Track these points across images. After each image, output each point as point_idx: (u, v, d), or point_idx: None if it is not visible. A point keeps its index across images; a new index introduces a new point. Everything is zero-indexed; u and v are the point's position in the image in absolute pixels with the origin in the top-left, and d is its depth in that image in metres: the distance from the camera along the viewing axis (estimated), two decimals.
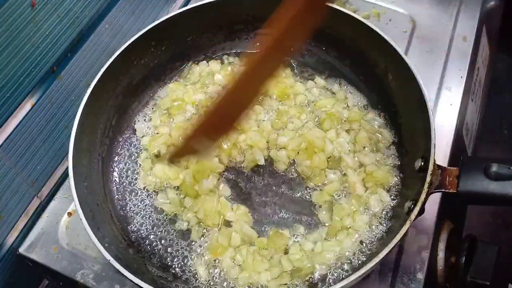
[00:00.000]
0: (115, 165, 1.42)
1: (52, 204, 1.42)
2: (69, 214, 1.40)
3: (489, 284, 1.27)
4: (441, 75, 1.62)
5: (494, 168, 1.11)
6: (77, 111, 1.26)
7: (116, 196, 1.37)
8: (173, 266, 1.27)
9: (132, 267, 1.18)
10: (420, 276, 1.28)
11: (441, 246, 1.35)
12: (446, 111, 1.54)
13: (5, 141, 1.23)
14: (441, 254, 1.34)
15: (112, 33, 1.49)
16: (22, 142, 1.28)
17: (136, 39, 1.39)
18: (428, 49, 1.67)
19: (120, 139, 1.46)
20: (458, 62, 1.64)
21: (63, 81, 1.35)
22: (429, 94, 1.22)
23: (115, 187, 1.39)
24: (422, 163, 1.20)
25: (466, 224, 1.68)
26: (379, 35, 1.35)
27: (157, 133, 1.45)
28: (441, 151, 1.43)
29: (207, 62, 1.58)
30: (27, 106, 1.27)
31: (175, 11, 1.70)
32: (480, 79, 1.80)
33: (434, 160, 1.15)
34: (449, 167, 1.15)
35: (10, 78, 1.19)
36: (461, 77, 1.61)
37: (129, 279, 1.08)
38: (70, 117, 1.41)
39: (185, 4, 1.80)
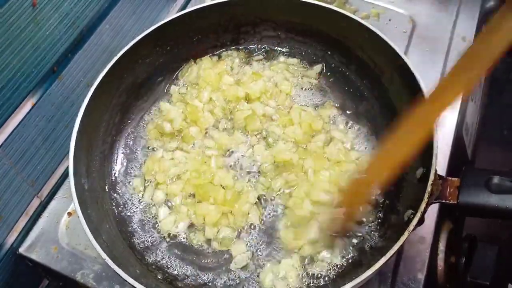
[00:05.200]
0: (116, 163, 1.42)
1: (52, 204, 1.43)
2: (69, 214, 1.40)
3: (489, 284, 1.27)
4: (441, 75, 1.61)
5: (496, 180, 1.10)
6: (79, 109, 1.26)
7: (116, 195, 1.37)
8: (171, 268, 1.27)
9: (130, 267, 1.18)
10: (420, 276, 1.29)
11: (441, 246, 1.36)
12: (446, 111, 1.53)
13: (5, 141, 1.23)
14: (441, 254, 1.35)
15: (113, 33, 1.49)
16: (22, 142, 1.28)
17: (142, 38, 1.39)
18: (427, 49, 1.67)
19: (123, 138, 1.46)
20: None
21: (63, 81, 1.36)
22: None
23: (115, 186, 1.38)
24: (424, 172, 1.19)
25: (466, 224, 1.67)
26: (378, 35, 1.35)
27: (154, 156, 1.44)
28: (441, 151, 1.41)
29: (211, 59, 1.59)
30: (27, 105, 1.27)
31: (175, 11, 1.72)
32: (480, 79, 1.80)
33: (436, 170, 1.14)
34: (450, 178, 1.14)
35: (10, 78, 1.19)
36: None
37: (125, 280, 1.08)
38: (70, 117, 1.41)
39: (185, 5, 1.80)
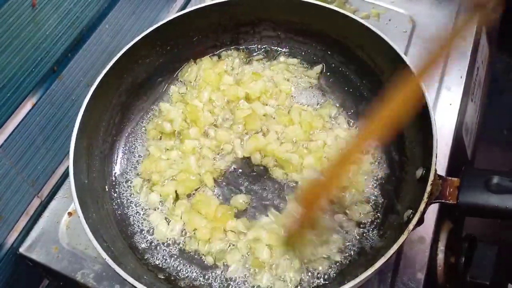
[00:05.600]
0: (116, 163, 1.42)
1: (53, 204, 1.42)
2: (70, 214, 1.40)
3: (489, 284, 1.27)
4: (440, 75, 1.61)
5: (495, 180, 1.10)
6: (79, 109, 1.26)
7: (116, 195, 1.37)
8: (171, 268, 1.27)
9: (130, 267, 1.18)
10: (420, 276, 1.29)
11: (441, 246, 1.35)
12: (446, 111, 1.54)
13: (5, 140, 1.23)
14: (440, 254, 1.34)
15: (113, 33, 1.49)
16: (22, 142, 1.28)
17: (141, 38, 1.39)
18: (427, 49, 1.67)
19: (123, 138, 1.46)
20: (457, 62, 1.63)
21: (63, 81, 1.35)
22: (428, 94, 1.21)
23: (115, 186, 1.38)
24: (424, 172, 1.19)
25: (466, 223, 1.68)
26: (378, 35, 1.35)
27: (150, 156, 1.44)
28: (440, 151, 1.41)
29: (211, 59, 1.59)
30: (27, 105, 1.27)
31: (175, 11, 1.71)
32: (480, 79, 1.80)
33: (436, 170, 1.13)
34: (450, 178, 1.14)
35: (11, 78, 1.19)
36: (461, 77, 1.61)
37: (125, 279, 1.09)
38: (71, 117, 1.41)
39: (185, 5, 1.80)
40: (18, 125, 1.25)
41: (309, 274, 1.24)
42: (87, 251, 1.34)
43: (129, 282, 1.08)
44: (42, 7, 1.22)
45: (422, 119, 1.21)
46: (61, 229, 1.38)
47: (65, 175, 1.46)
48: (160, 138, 1.46)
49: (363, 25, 1.38)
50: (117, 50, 1.36)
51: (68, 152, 1.32)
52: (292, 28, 1.55)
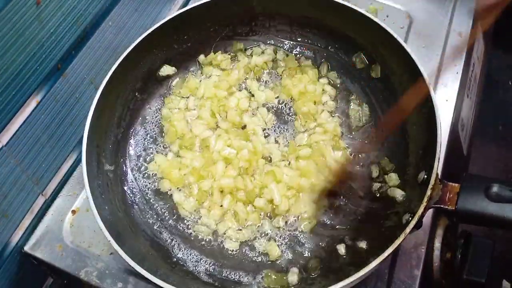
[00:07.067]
0: (130, 147, 1.45)
1: (57, 202, 1.43)
2: (73, 212, 1.41)
3: (484, 282, 1.28)
4: (437, 71, 1.62)
5: (495, 188, 1.10)
6: (84, 105, 1.31)
7: (127, 187, 1.39)
8: (177, 256, 1.31)
9: (135, 253, 1.18)
10: (417, 272, 1.30)
11: (437, 242, 1.36)
12: (442, 107, 1.55)
13: (10, 139, 1.22)
14: (436, 251, 1.35)
15: (116, 30, 1.48)
16: (27, 140, 1.27)
17: (159, 26, 1.41)
18: (424, 45, 1.68)
19: (137, 124, 1.49)
20: (454, 58, 1.65)
21: (68, 78, 1.35)
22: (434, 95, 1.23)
23: (127, 175, 1.41)
24: (425, 176, 1.19)
25: None
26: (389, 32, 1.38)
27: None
28: None
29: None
30: (32, 103, 1.26)
31: (177, 7, 1.72)
32: (476, 75, 1.82)
33: (437, 174, 1.14)
34: (450, 183, 1.14)
35: (15, 76, 1.18)
36: (457, 73, 1.62)
37: (128, 263, 1.11)
38: (75, 114, 1.41)
39: (188, 1, 1.79)
40: (23, 123, 1.25)
41: (306, 271, 1.27)
42: (91, 249, 1.35)
43: (134, 268, 1.10)
44: (46, 5, 1.21)
45: (427, 122, 1.25)
46: (65, 227, 1.39)
47: (69, 173, 1.46)
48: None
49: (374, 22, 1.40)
50: (120, 47, 1.36)
51: (72, 149, 1.34)
52: (307, 24, 1.57)
